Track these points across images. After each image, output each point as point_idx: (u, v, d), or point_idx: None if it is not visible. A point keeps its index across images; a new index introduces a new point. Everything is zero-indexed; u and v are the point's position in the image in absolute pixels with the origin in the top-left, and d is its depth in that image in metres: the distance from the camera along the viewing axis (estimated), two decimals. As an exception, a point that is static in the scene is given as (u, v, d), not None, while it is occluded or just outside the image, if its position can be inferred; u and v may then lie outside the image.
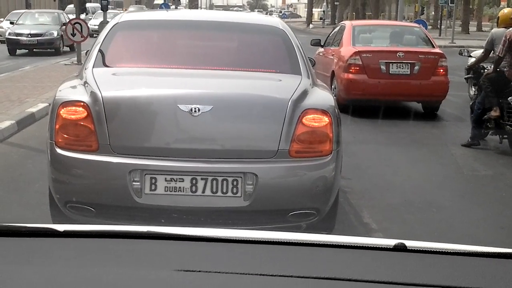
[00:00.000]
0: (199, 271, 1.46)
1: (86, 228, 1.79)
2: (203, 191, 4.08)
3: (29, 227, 1.74)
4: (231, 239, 1.68)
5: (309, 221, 4.27)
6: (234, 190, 4.09)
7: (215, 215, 4.17)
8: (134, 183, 4.06)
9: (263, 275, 1.45)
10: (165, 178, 4.08)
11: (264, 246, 1.68)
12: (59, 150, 4.20)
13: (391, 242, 1.66)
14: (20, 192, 6.08)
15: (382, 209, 5.90)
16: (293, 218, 4.22)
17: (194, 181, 4.08)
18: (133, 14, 5.63)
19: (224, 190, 4.08)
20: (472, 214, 5.91)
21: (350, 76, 11.22)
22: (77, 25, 16.81)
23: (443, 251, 1.64)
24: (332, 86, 11.54)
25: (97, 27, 25.45)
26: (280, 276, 1.45)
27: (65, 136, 4.19)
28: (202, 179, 4.08)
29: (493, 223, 5.69)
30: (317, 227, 4.34)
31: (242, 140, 4.26)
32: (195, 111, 4.08)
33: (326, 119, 4.24)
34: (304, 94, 4.38)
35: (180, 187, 4.08)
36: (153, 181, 4.08)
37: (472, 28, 47.88)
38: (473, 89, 12.45)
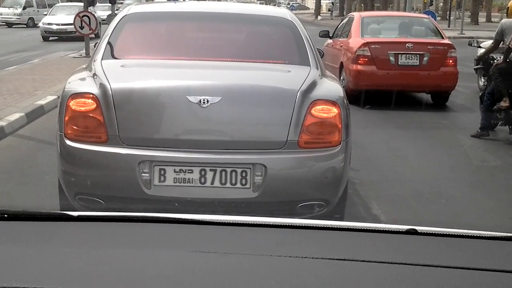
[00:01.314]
0: (213, 253, 1.48)
1: (99, 214, 1.82)
2: (212, 183, 4.08)
3: (44, 212, 1.78)
4: (244, 223, 1.70)
5: (318, 212, 4.27)
6: (243, 182, 4.09)
7: (224, 206, 4.18)
8: (143, 174, 4.07)
9: (278, 256, 1.47)
10: (174, 170, 4.09)
11: (278, 229, 1.71)
12: (68, 142, 4.21)
13: (403, 227, 1.69)
14: (30, 184, 6.10)
15: (391, 200, 5.89)
16: (302, 209, 4.22)
17: (203, 173, 4.08)
18: (141, 6, 5.63)
19: (233, 182, 4.09)
20: (482, 205, 5.90)
21: (359, 67, 11.19)
22: (85, 18, 16.83)
23: (453, 234, 1.67)
24: (341, 78, 11.51)
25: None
26: (293, 257, 1.47)
27: (75, 128, 4.20)
28: (211, 170, 4.08)
29: (503, 213, 5.67)
30: (326, 218, 4.34)
31: (251, 131, 4.26)
32: (204, 102, 4.08)
33: (335, 110, 4.23)
34: (313, 85, 4.37)
35: (189, 179, 4.08)
36: (162, 172, 4.09)
37: (482, 19, 47.65)
38: (483, 79, 12.40)
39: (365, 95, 10.95)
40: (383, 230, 1.71)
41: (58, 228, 1.68)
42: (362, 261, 1.45)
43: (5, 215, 1.71)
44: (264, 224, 1.72)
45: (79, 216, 1.72)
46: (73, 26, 22.93)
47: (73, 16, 23.83)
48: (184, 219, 1.73)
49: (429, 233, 1.68)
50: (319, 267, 1.42)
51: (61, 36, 26.97)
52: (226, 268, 1.40)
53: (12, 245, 1.52)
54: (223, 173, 4.09)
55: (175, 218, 1.73)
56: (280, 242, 1.60)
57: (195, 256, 1.46)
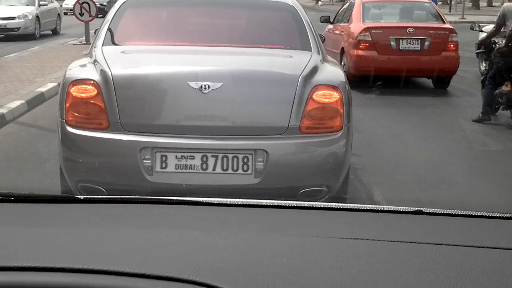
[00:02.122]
0: (223, 232, 1.50)
1: (106, 197, 1.82)
2: (214, 169, 4.08)
3: (50, 195, 1.79)
4: (252, 204, 1.71)
5: (320, 198, 4.27)
6: (245, 167, 4.09)
7: (225, 192, 4.17)
8: (144, 161, 4.07)
9: (288, 235, 1.48)
10: (176, 156, 4.08)
11: (287, 210, 1.73)
12: (69, 129, 4.20)
13: (411, 208, 1.72)
14: (31, 172, 6.10)
15: (393, 186, 5.89)
16: (304, 195, 4.21)
17: (204, 159, 4.07)
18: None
19: (235, 167, 4.08)
20: (484, 190, 5.89)
21: (360, 52, 11.16)
22: (85, 5, 16.76)
23: (458, 214, 1.71)
24: (342, 63, 11.48)
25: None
26: (304, 236, 1.48)
27: (76, 114, 4.19)
28: (212, 156, 4.07)
29: (505, 198, 5.67)
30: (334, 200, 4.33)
31: (253, 117, 4.25)
32: (205, 88, 4.07)
33: (336, 95, 4.22)
34: (315, 70, 4.36)
35: (190, 165, 4.08)
36: (164, 158, 4.08)
37: (483, 3, 47.43)
38: (484, 64, 12.35)
39: (366, 80, 10.93)
40: (391, 211, 1.73)
41: (65, 209, 1.68)
42: (372, 240, 1.46)
43: (12, 198, 1.72)
44: (272, 205, 1.72)
45: (85, 198, 1.73)
46: (15, 21, 19.15)
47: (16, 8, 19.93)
48: (192, 200, 1.74)
49: (436, 213, 1.71)
50: (329, 245, 1.44)
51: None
52: (236, 246, 1.41)
53: (20, 226, 1.52)
54: (225, 159, 4.08)
55: (182, 200, 1.74)
56: (289, 222, 1.62)
57: (205, 235, 1.47)
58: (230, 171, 4.09)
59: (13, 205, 1.70)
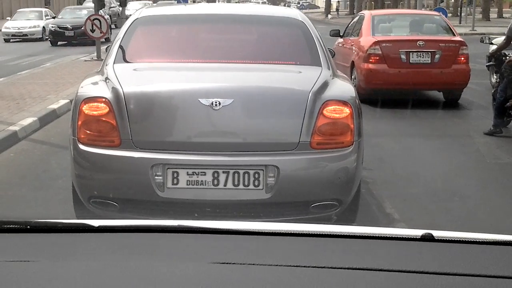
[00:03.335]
0: (236, 264, 1.49)
1: (120, 223, 1.83)
2: (225, 184, 4.09)
3: (65, 222, 1.78)
4: (260, 232, 1.70)
5: (332, 212, 4.27)
6: (256, 183, 4.10)
7: (237, 208, 4.19)
8: (156, 177, 4.09)
9: (295, 266, 1.47)
10: (187, 172, 4.10)
11: (295, 238, 1.70)
12: (82, 146, 4.23)
13: (418, 232, 1.66)
14: (43, 188, 6.13)
15: (404, 199, 5.87)
16: (315, 209, 4.22)
17: (216, 175, 4.09)
18: (152, 9, 5.65)
19: (246, 183, 4.10)
20: (496, 203, 5.87)
21: (370, 66, 11.17)
22: (96, 21, 16.89)
23: (471, 240, 1.64)
24: (352, 77, 11.49)
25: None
26: (311, 267, 1.47)
27: (88, 132, 4.22)
28: (224, 172, 4.09)
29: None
30: (340, 218, 4.34)
31: (263, 133, 4.26)
32: (216, 104, 4.09)
33: (347, 110, 4.23)
34: (325, 85, 4.37)
35: (202, 181, 4.09)
36: (175, 175, 4.10)
37: (493, 15, 47.42)
38: (495, 76, 12.33)
39: (376, 94, 10.93)
40: (399, 237, 1.69)
41: (81, 239, 1.68)
42: (379, 270, 1.44)
43: (28, 227, 1.73)
44: (282, 233, 1.71)
45: (100, 226, 1.72)
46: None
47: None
48: (204, 228, 1.73)
49: (446, 239, 1.65)
50: (338, 277, 1.42)
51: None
52: (248, 279, 1.41)
53: (38, 258, 1.53)
54: (236, 174, 4.10)
55: (194, 228, 1.73)
56: (299, 251, 1.60)
57: (218, 267, 1.47)
58: (241, 186, 4.10)
59: (29, 235, 1.71)
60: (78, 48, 24.27)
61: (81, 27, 23.17)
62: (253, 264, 1.48)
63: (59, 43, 26.89)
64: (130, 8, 34.76)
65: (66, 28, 26.72)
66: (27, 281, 1.38)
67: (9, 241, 1.67)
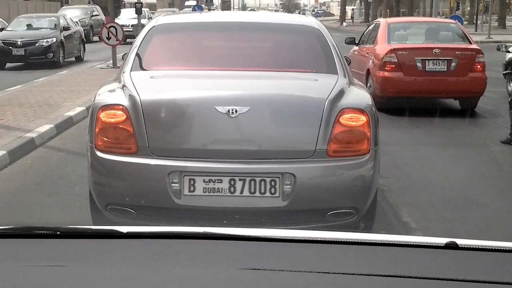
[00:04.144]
0: (264, 270, 1.50)
1: (148, 230, 1.85)
2: (242, 192, 4.10)
3: (94, 229, 1.82)
4: (285, 239, 1.71)
5: (348, 220, 4.26)
6: (272, 191, 4.10)
7: (253, 215, 4.19)
8: (173, 184, 4.10)
9: (323, 273, 1.48)
10: (204, 179, 4.11)
11: (321, 245, 1.71)
12: (99, 153, 4.26)
13: (442, 240, 1.67)
14: (61, 195, 6.17)
15: (421, 208, 5.85)
16: (331, 217, 4.22)
17: (232, 182, 4.10)
18: (169, 17, 5.68)
19: (262, 191, 4.10)
20: (513, 212, 5.83)
21: (386, 74, 11.15)
22: (112, 29, 16.99)
23: (495, 248, 1.64)
24: (368, 85, 11.48)
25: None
26: (339, 274, 1.48)
27: (105, 139, 4.24)
28: (240, 179, 4.10)
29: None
30: (356, 226, 4.33)
31: (280, 141, 4.27)
32: (232, 112, 4.10)
33: (363, 118, 4.23)
34: (341, 93, 4.37)
35: (218, 188, 4.10)
36: (192, 182, 4.11)
37: (509, 22, 47.17)
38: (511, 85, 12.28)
39: (392, 102, 10.90)
40: (423, 245, 1.69)
41: (110, 245, 1.70)
42: (405, 277, 1.45)
43: (58, 233, 1.75)
44: (308, 240, 1.72)
45: (128, 233, 1.74)
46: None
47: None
48: (229, 234, 1.74)
49: (470, 247, 1.65)
50: (363, 284, 1.43)
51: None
52: (277, 285, 1.41)
53: (68, 264, 1.55)
54: (252, 182, 4.10)
55: (220, 234, 1.74)
56: (322, 258, 1.61)
57: (248, 273, 1.48)
58: (257, 194, 4.11)
59: (59, 241, 1.73)
60: (30, 73, 17.24)
61: (36, 43, 18.96)
62: (282, 271, 1.49)
63: (7, 65, 19.38)
64: (122, 17, 31.11)
65: (14, 44, 19.08)
66: (57, 285, 1.40)
67: (40, 247, 1.69)
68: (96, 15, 32.82)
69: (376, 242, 1.71)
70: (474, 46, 11.66)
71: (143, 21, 22.51)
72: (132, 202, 4.23)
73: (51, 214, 5.56)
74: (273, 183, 4.10)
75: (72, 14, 27.80)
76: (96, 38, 30.27)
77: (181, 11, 40.20)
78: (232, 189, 4.10)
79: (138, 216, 4.21)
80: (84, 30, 24.44)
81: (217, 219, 4.14)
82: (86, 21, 31.03)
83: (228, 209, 4.16)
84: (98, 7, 35.14)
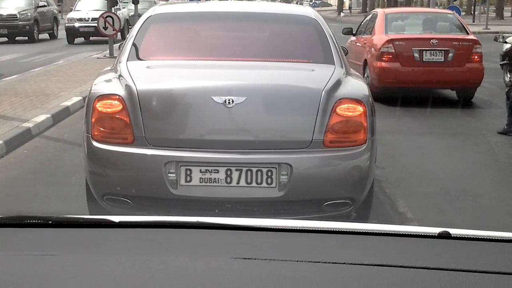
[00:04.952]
0: (256, 259, 1.50)
1: (141, 219, 1.85)
2: (238, 182, 4.10)
3: (86, 218, 1.81)
4: (279, 229, 1.72)
5: (344, 210, 4.27)
6: (269, 181, 4.10)
7: (250, 205, 4.19)
8: (169, 174, 4.10)
9: (316, 262, 1.48)
10: (200, 170, 4.11)
11: (314, 235, 1.72)
12: (95, 143, 4.25)
13: (435, 230, 1.67)
14: (57, 185, 6.16)
15: (417, 198, 5.86)
16: (328, 207, 4.22)
17: (229, 172, 4.10)
18: (165, 7, 5.66)
19: (259, 181, 4.10)
20: (510, 202, 5.85)
21: (383, 64, 11.14)
22: (108, 19, 16.92)
23: (488, 238, 1.64)
24: (365, 75, 11.47)
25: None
26: (331, 263, 1.48)
27: (101, 129, 4.24)
28: (236, 170, 4.10)
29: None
30: (348, 216, 4.33)
31: (276, 131, 4.26)
32: (229, 102, 4.10)
33: (360, 109, 4.23)
34: (338, 83, 4.37)
35: (215, 178, 4.10)
36: (188, 172, 4.11)
37: (507, 13, 47.14)
38: (509, 75, 12.30)
39: (389, 92, 10.90)
40: (416, 235, 1.70)
41: (102, 234, 1.70)
42: (398, 266, 1.45)
43: (50, 222, 1.75)
44: (301, 229, 1.72)
45: (120, 222, 1.74)
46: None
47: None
48: (222, 224, 1.74)
49: (463, 237, 1.65)
50: (356, 273, 1.43)
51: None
52: (270, 274, 1.41)
53: (60, 253, 1.55)
54: (249, 172, 4.10)
55: (213, 224, 1.74)
56: (317, 247, 1.61)
57: (240, 262, 1.48)
58: (254, 184, 4.11)
59: (51, 230, 1.73)
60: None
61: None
62: (274, 260, 1.49)
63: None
64: (80, 7, 24.83)
65: None
66: (49, 274, 1.40)
67: (31, 235, 1.69)
68: (43, 6, 25.56)
69: (368, 232, 1.71)
70: (471, 36, 11.65)
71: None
72: (128, 192, 4.22)
73: (47, 204, 5.55)
74: (269, 174, 4.10)
75: (12, 5, 24.09)
76: (43, 36, 25.23)
77: (178, 0, 40.00)
78: (228, 179, 4.10)
79: (134, 206, 4.21)
80: (26, 26, 23.44)
81: (213, 209, 4.15)
82: (29, 14, 24.36)
83: (225, 199, 4.16)
84: None
